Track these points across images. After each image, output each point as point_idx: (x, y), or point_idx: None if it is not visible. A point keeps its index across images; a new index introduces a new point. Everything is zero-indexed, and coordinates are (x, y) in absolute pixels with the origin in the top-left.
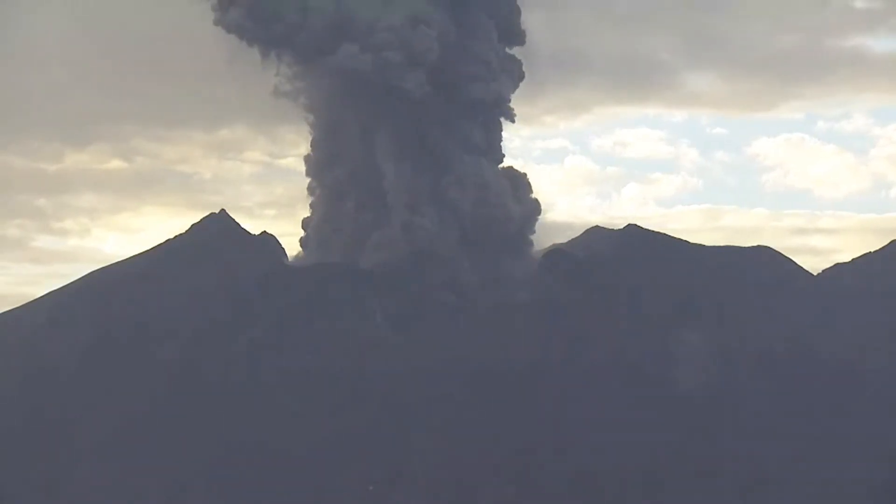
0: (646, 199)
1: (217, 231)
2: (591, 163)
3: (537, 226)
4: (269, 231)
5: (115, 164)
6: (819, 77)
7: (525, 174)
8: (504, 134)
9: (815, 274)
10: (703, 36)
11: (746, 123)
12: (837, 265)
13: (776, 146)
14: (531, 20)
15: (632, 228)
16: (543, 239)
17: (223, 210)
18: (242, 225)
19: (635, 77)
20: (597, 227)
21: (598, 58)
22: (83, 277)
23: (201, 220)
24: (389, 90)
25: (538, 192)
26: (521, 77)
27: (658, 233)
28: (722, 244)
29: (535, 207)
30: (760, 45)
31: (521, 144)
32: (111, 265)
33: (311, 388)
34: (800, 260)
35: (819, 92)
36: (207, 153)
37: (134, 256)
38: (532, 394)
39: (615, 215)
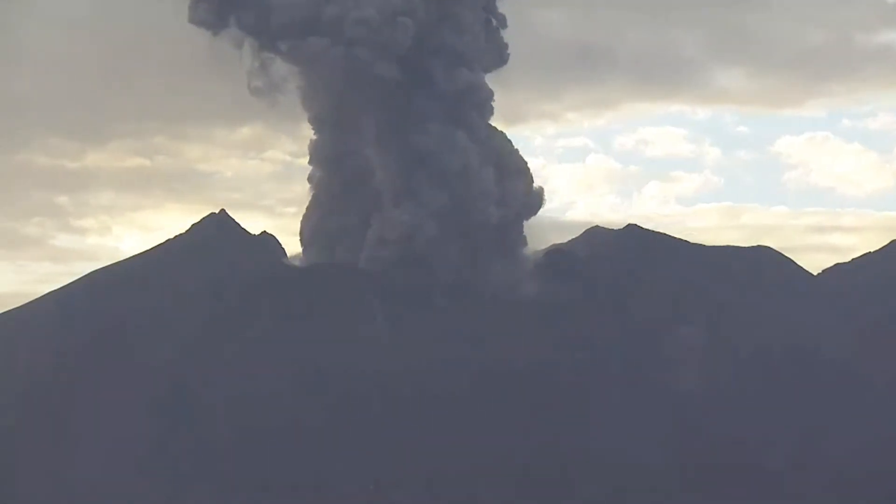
0: (666, 197)
1: (217, 231)
2: (612, 161)
3: (542, 223)
4: (290, 228)
5: (136, 161)
6: (848, 74)
7: (523, 162)
8: (526, 132)
9: (815, 274)
10: (731, 32)
11: (771, 121)
12: (837, 265)
13: (799, 145)
14: (559, 16)
15: (632, 228)
16: (550, 237)
17: (223, 210)
18: (265, 223)
19: (662, 73)
20: (597, 226)
21: (625, 54)
22: (82, 277)
23: (201, 219)
24: (362, 78)
25: (557, 191)
26: (503, 61)
27: (658, 233)
28: (740, 243)
29: (529, 201)
30: (790, 42)
31: (543, 143)
32: (110, 265)
33: (311, 388)
34: (819, 258)
35: (847, 88)
36: (228, 152)
37: (133, 256)
38: (532, 393)
39: (634, 213)
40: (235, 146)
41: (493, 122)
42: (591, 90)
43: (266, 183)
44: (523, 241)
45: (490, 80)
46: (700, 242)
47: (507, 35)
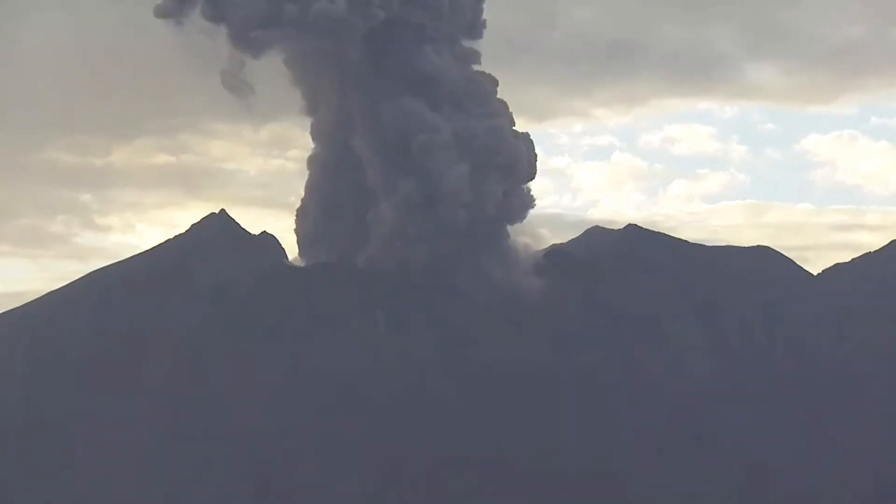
0: (691, 195)
1: (217, 231)
2: (638, 160)
3: (565, 221)
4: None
5: (161, 158)
6: (882, 69)
7: (516, 156)
8: (552, 130)
9: (815, 274)
10: (766, 27)
11: (800, 118)
12: (837, 265)
13: (827, 143)
14: (592, 12)
15: (632, 228)
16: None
17: (223, 210)
18: (289, 221)
19: (694, 69)
20: (597, 226)
21: (658, 50)
22: (83, 277)
23: (201, 219)
24: (338, 65)
25: (581, 189)
26: (472, 36)
27: (658, 233)
28: (762, 241)
29: (511, 203)
30: (825, 36)
31: (569, 141)
32: (111, 265)
33: (311, 388)
34: (840, 256)
35: (879, 84)
36: (253, 150)
37: (134, 256)
38: (531, 393)
39: (658, 212)
40: (260, 144)
41: (520, 119)
42: (621, 86)
43: (290, 181)
44: (507, 242)
45: (521, 77)
46: (701, 242)
47: (541, 31)
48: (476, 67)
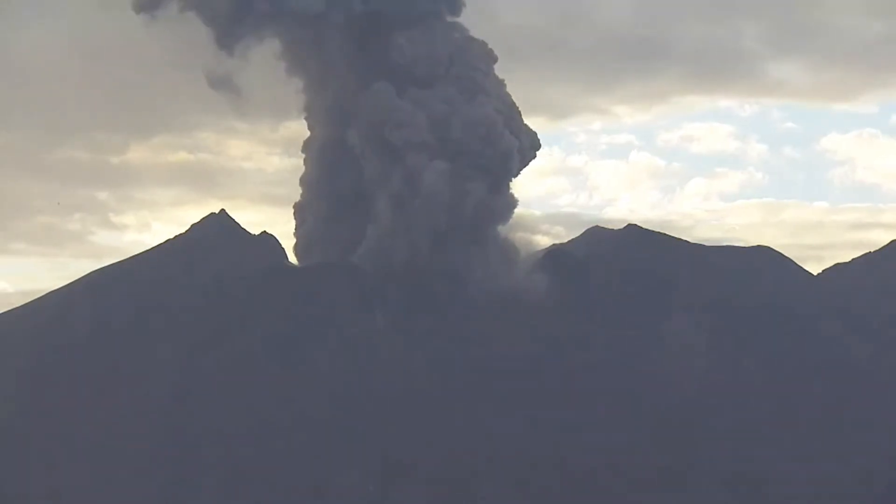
0: (709, 194)
1: (217, 231)
2: (656, 158)
3: (581, 220)
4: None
5: (179, 156)
6: None
7: (504, 156)
8: (571, 129)
9: (815, 274)
10: (791, 24)
11: (820, 116)
12: (837, 265)
13: (846, 142)
14: (616, 8)
15: (632, 228)
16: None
17: (223, 210)
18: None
19: (717, 66)
20: (597, 226)
21: (682, 46)
22: (84, 277)
23: (201, 220)
24: (324, 56)
25: (598, 187)
26: (456, 13)
27: (658, 233)
28: (777, 239)
29: (495, 204)
30: (849, 34)
31: (586, 139)
32: (110, 265)
33: (311, 388)
34: (855, 255)
35: None
36: (271, 148)
37: (134, 256)
38: (531, 393)
39: (674, 211)
40: (277, 143)
41: (539, 117)
42: (642, 83)
43: None
44: (497, 242)
45: (542, 75)
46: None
47: (562, 29)
48: (475, 49)
